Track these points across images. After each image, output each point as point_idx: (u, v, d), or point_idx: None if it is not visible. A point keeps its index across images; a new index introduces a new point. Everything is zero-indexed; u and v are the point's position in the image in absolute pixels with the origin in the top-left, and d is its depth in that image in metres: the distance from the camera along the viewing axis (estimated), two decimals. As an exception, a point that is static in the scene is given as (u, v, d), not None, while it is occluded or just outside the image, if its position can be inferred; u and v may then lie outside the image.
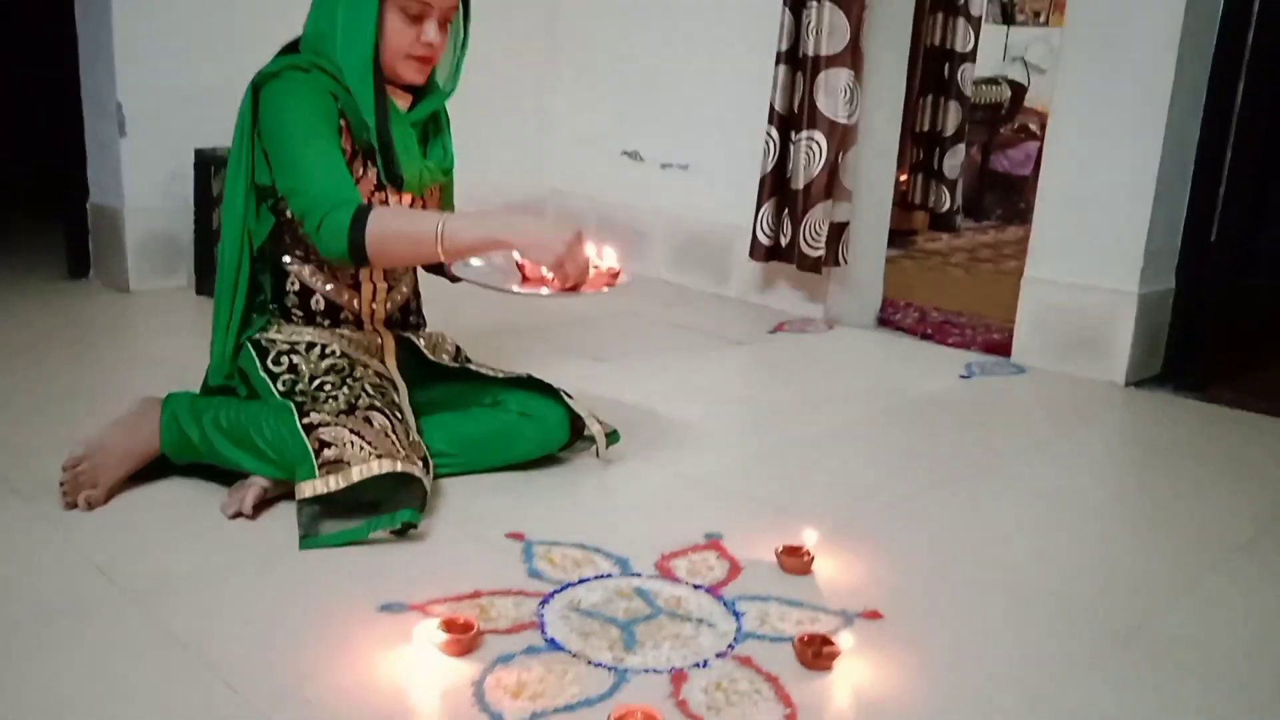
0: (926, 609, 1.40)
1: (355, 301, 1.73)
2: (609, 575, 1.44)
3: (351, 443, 1.52)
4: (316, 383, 1.63)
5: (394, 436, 1.56)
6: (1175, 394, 2.51)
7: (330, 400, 1.60)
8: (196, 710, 1.10)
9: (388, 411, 1.61)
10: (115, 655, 1.19)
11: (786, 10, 2.83)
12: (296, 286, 1.70)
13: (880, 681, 1.22)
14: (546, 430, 1.77)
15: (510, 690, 1.15)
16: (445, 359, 1.83)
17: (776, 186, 2.92)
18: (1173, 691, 1.24)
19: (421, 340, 1.82)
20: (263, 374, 1.66)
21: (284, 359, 1.66)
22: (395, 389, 1.71)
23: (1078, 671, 1.27)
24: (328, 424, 1.54)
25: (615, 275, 1.63)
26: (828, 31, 2.74)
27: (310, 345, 1.68)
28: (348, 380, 1.64)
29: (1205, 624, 1.41)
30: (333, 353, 1.68)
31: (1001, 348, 2.74)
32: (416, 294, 1.88)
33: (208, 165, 2.80)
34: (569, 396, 1.80)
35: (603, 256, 1.65)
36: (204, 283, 2.87)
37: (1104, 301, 2.53)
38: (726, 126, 3.22)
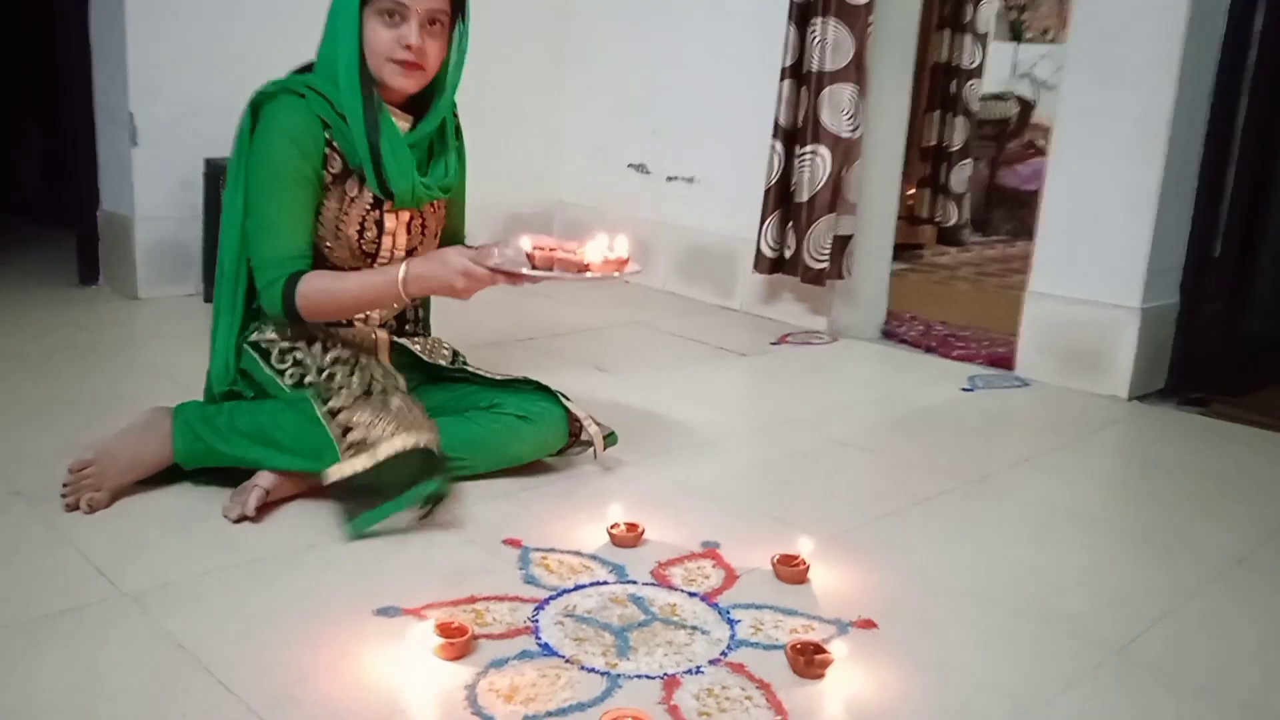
0: (920, 620, 1.41)
1: None
2: (605, 582, 1.45)
3: (373, 424, 1.56)
4: (325, 373, 1.67)
5: (415, 414, 1.60)
6: (1177, 408, 2.51)
7: (344, 387, 1.63)
8: (193, 711, 1.11)
9: (402, 394, 1.65)
10: (113, 656, 1.21)
11: (792, 26, 2.85)
12: None
13: (871, 690, 1.22)
14: (544, 432, 1.79)
15: (503, 694, 1.16)
16: (442, 362, 1.84)
17: (781, 200, 2.93)
18: (1163, 706, 1.25)
19: (417, 345, 1.84)
20: (268, 371, 1.68)
21: (287, 356, 1.69)
22: (396, 382, 1.73)
23: (1068, 685, 1.27)
24: (348, 408, 1.58)
25: (624, 263, 1.65)
26: (832, 47, 2.76)
27: (311, 340, 1.71)
28: (356, 369, 1.68)
29: (1199, 639, 1.41)
30: (335, 346, 1.71)
31: (1005, 361, 2.75)
32: (425, 303, 1.89)
33: (217, 175, 2.83)
34: (566, 399, 1.82)
35: (614, 247, 1.66)
36: (213, 291, 2.89)
37: (1107, 316, 2.54)
38: (732, 140, 3.24)
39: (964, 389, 2.57)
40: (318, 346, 1.71)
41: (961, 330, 3.09)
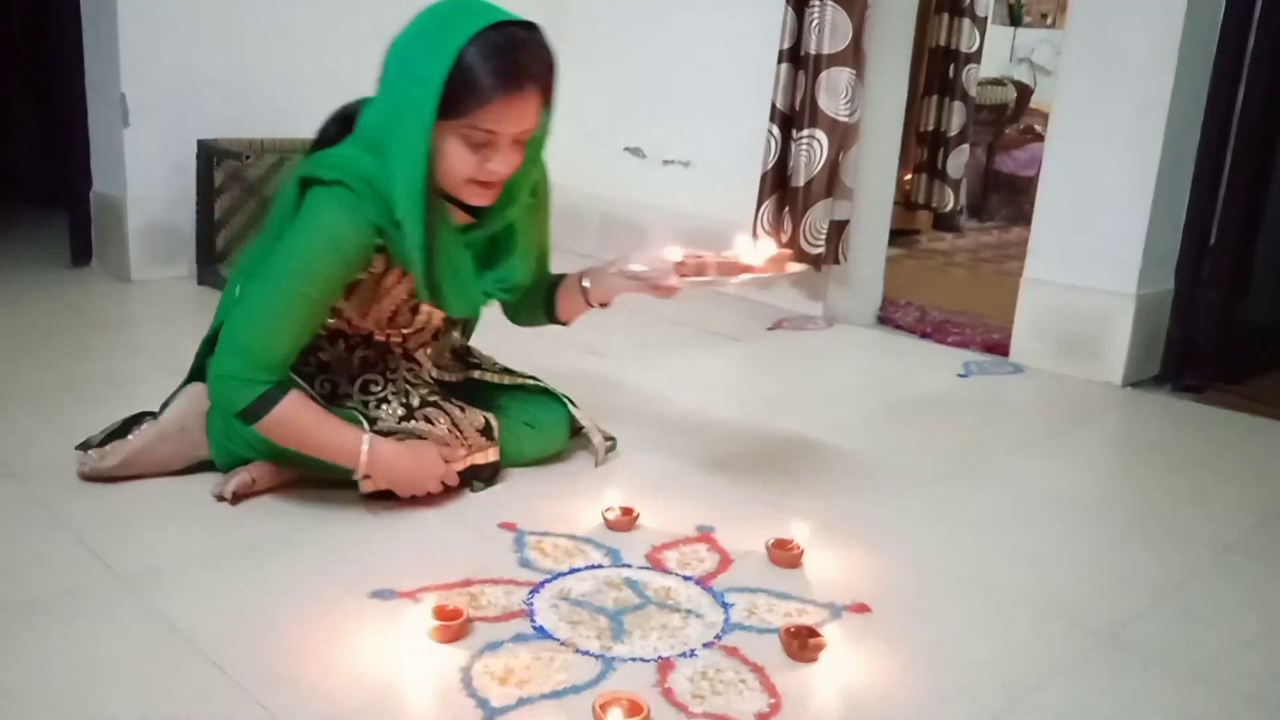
0: (913, 604, 1.41)
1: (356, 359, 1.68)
2: (599, 566, 1.45)
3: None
4: (359, 383, 1.61)
5: (457, 430, 1.60)
6: (1172, 395, 2.52)
7: (384, 404, 1.60)
8: (187, 693, 1.11)
9: (442, 402, 1.63)
10: (107, 638, 1.20)
11: (790, 9, 2.83)
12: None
13: (864, 674, 1.23)
14: (548, 438, 1.78)
15: (498, 676, 1.16)
16: (450, 377, 1.77)
17: (777, 184, 2.92)
18: (1155, 691, 1.25)
19: (428, 351, 1.75)
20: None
21: (310, 358, 1.61)
22: (434, 392, 1.69)
23: (1061, 670, 1.28)
24: (392, 434, 1.56)
25: (787, 258, 1.58)
26: (830, 30, 2.75)
27: (335, 334, 1.64)
28: (387, 374, 1.64)
29: (1191, 624, 1.42)
30: (356, 339, 1.65)
31: (1000, 347, 2.75)
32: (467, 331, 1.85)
33: (210, 156, 2.82)
34: (573, 405, 1.81)
35: (759, 246, 1.59)
36: (205, 273, 2.88)
37: (1102, 303, 2.54)
38: (728, 124, 3.23)
39: (959, 375, 2.57)
40: (341, 344, 1.64)
41: (957, 316, 3.09)
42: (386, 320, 1.64)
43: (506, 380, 1.81)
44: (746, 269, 1.56)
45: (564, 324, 1.78)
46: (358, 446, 1.51)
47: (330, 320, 1.62)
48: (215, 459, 1.61)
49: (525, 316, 1.80)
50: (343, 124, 1.54)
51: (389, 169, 1.43)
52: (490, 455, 1.67)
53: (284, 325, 1.46)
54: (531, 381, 1.82)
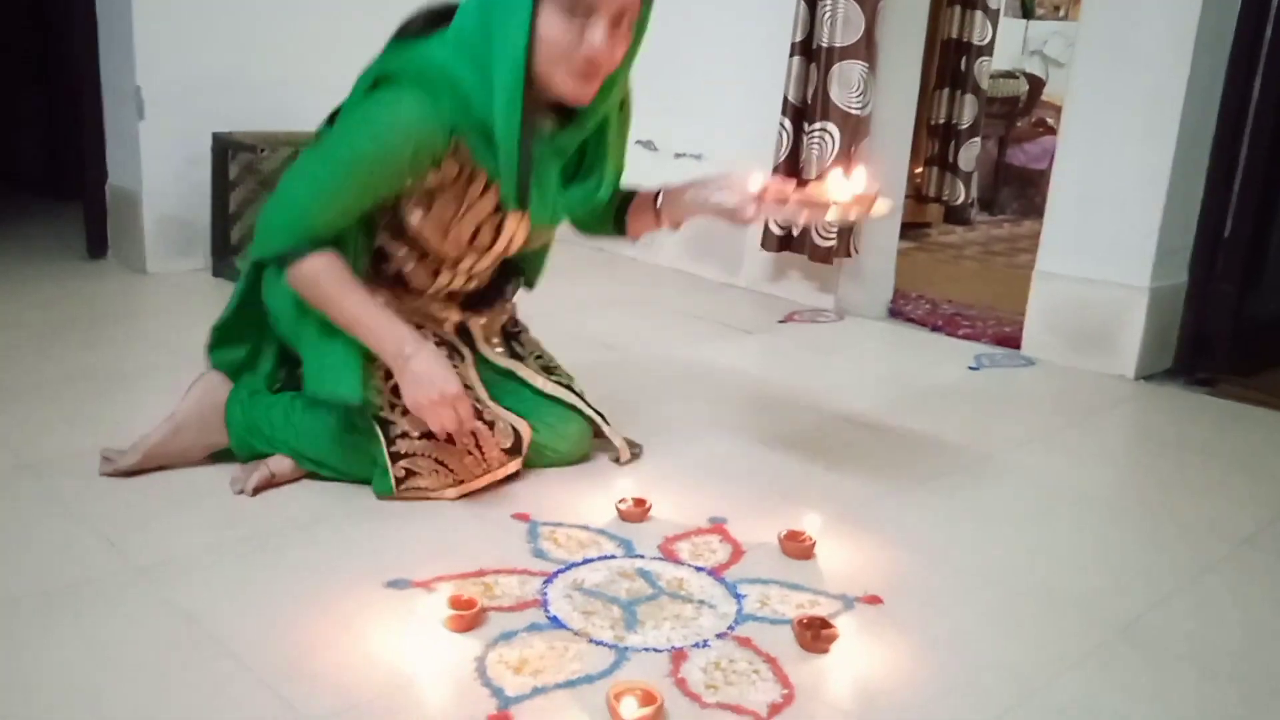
0: (926, 596, 1.41)
1: (428, 283, 1.64)
2: (612, 556, 1.45)
3: (436, 471, 1.56)
4: (393, 382, 1.53)
5: (478, 453, 1.58)
6: (1185, 388, 2.51)
7: (410, 414, 1.53)
8: (202, 682, 1.12)
9: (476, 403, 1.59)
10: (124, 628, 1.22)
11: (802, 2, 2.83)
12: (377, 252, 1.60)
13: (877, 665, 1.23)
14: (570, 454, 1.74)
15: (512, 666, 1.17)
16: (495, 352, 1.74)
17: (789, 177, 2.92)
18: (1168, 686, 1.25)
19: (483, 320, 1.73)
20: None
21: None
22: (460, 356, 1.67)
23: (1073, 664, 1.28)
24: (413, 455, 1.55)
25: (872, 200, 1.47)
26: (842, 23, 2.74)
27: (396, 281, 1.61)
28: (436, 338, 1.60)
29: (1204, 618, 1.42)
30: (414, 296, 1.63)
31: (1012, 340, 2.74)
32: (538, 263, 1.78)
33: (224, 149, 2.83)
34: (605, 422, 1.77)
35: (851, 177, 1.48)
36: (220, 265, 2.90)
37: (1115, 296, 2.53)
38: (740, 117, 3.23)
39: (970, 368, 2.57)
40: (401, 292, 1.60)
41: (968, 309, 3.09)
42: (467, 241, 1.56)
43: (544, 385, 1.75)
44: (828, 206, 1.45)
45: (632, 240, 1.72)
46: (400, 332, 1.48)
47: (400, 250, 1.58)
48: (235, 451, 1.62)
49: (594, 228, 1.74)
50: (430, 22, 1.47)
51: (488, 60, 1.37)
52: (509, 468, 1.63)
53: (327, 197, 1.45)
54: (566, 394, 1.76)
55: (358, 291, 1.49)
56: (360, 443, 1.57)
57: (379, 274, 1.61)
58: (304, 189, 1.48)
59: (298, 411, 1.59)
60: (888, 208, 1.48)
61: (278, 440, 1.58)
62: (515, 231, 1.60)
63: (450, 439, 1.55)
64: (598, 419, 1.78)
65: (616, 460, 1.78)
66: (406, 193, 1.50)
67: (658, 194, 1.65)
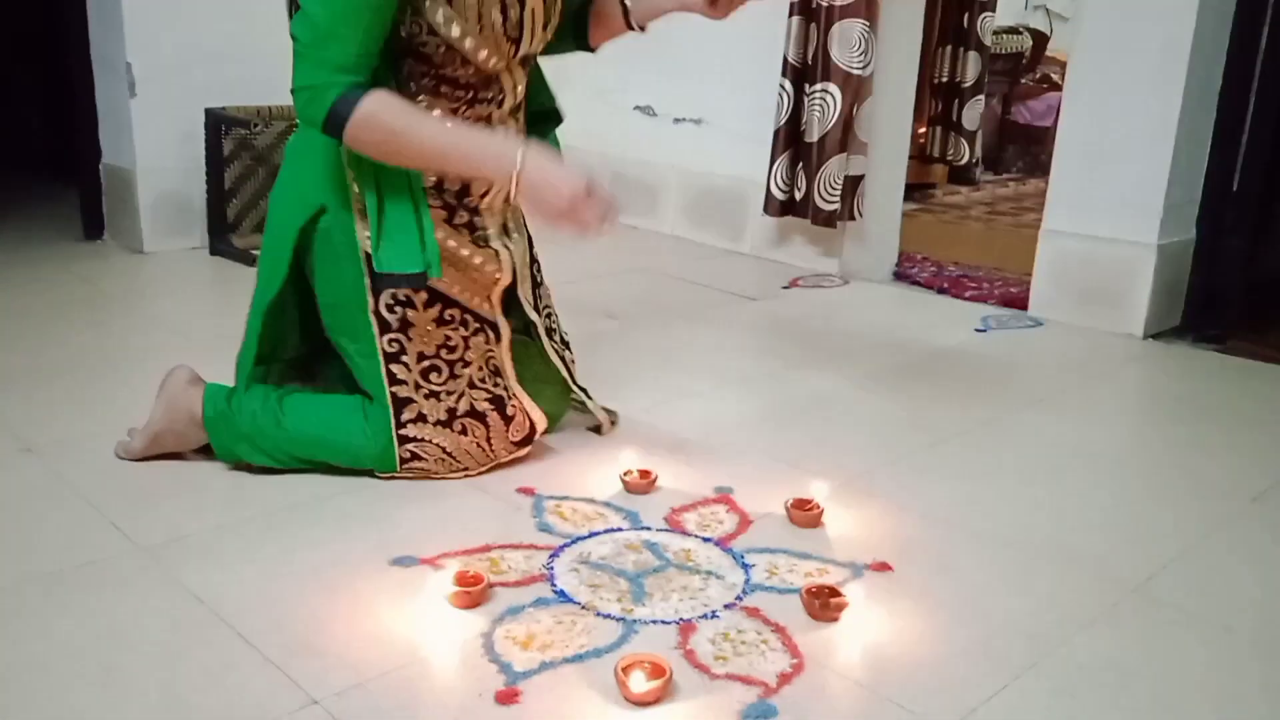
0: (936, 561, 1.40)
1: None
2: (619, 529, 1.44)
3: (441, 460, 1.55)
4: (425, 365, 1.53)
5: (487, 446, 1.57)
6: (1194, 346, 2.48)
7: (432, 399, 1.53)
8: (212, 662, 1.12)
9: (494, 406, 1.58)
10: (132, 608, 1.21)
11: (800, -41, 2.78)
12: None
13: (888, 632, 1.22)
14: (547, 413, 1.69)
15: (519, 641, 1.16)
16: (525, 306, 1.68)
17: (791, 140, 2.88)
18: (1184, 643, 1.24)
19: (526, 260, 1.69)
20: (371, 315, 1.51)
21: (398, 309, 1.51)
22: (496, 338, 1.61)
23: (1088, 623, 1.27)
24: (423, 439, 1.54)
25: None
26: (842, -20, 2.70)
27: (432, 297, 1.53)
28: (455, 366, 1.55)
29: (1219, 575, 1.41)
30: (451, 302, 1.55)
31: (1019, 301, 2.72)
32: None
33: (218, 125, 2.80)
34: (589, 397, 1.76)
35: None
36: (217, 243, 2.88)
37: (1123, 253, 2.50)
38: (740, 80, 3.18)
39: (977, 330, 2.54)
40: (434, 310, 1.53)
41: (974, 270, 3.06)
42: (502, 27, 1.47)
43: (546, 344, 1.71)
44: None
45: (591, 50, 1.66)
46: (496, 143, 1.41)
47: (436, 85, 1.50)
48: (220, 458, 1.57)
49: (553, 43, 1.66)
50: None
51: None
52: (515, 456, 1.63)
53: (349, 13, 1.36)
54: (559, 364, 1.72)
55: (430, 118, 1.44)
56: (359, 424, 1.54)
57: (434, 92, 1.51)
58: (321, 14, 1.37)
59: (288, 415, 1.54)
60: None
61: (268, 447, 1.54)
62: (535, 5, 1.52)
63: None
64: (580, 394, 1.76)
65: (597, 430, 1.77)
66: None
67: None
